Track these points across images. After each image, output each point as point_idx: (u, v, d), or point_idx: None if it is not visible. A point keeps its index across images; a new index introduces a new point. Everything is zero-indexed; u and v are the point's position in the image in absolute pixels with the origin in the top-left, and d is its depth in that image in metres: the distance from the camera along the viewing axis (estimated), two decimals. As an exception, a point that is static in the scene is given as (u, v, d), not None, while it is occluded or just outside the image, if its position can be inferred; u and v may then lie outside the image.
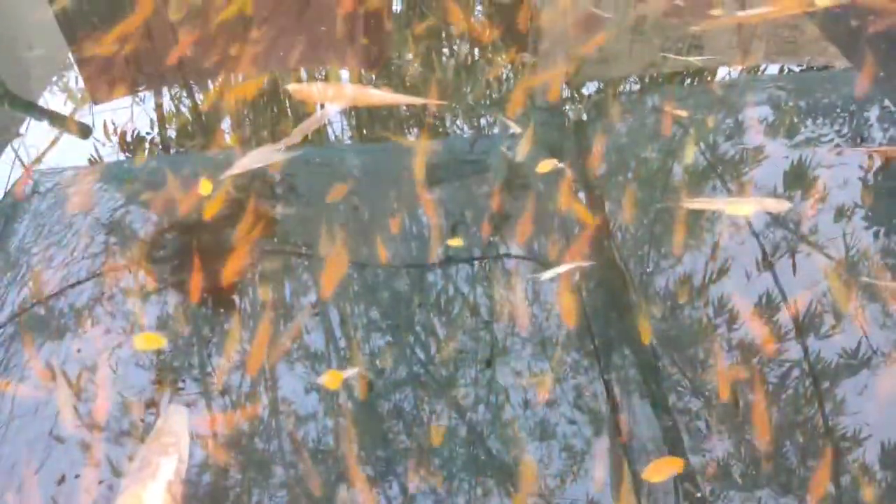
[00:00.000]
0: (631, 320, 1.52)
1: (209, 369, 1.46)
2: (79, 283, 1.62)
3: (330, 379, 1.43)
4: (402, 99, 2.07)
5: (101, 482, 1.29)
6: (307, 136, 1.94)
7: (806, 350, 1.43)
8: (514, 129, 1.95)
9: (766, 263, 1.59)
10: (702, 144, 1.89)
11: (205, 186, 1.80)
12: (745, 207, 1.71)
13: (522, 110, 2.02)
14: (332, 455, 1.32)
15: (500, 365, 1.44)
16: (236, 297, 1.59)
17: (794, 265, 1.58)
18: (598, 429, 1.34)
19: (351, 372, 1.44)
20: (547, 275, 1.58)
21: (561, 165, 1.80)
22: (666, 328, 1.49)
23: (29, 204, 1.83)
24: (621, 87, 2.13)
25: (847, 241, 1.62)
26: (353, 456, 1.32)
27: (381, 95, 2.07)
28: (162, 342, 1.50)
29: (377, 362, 1.46)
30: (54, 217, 1.78)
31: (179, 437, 1.33)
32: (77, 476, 1.30)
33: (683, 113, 1.98)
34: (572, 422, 1.35)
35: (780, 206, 1.71)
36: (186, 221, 1.73)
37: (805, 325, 1.47)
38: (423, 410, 1.38)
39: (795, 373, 1.39)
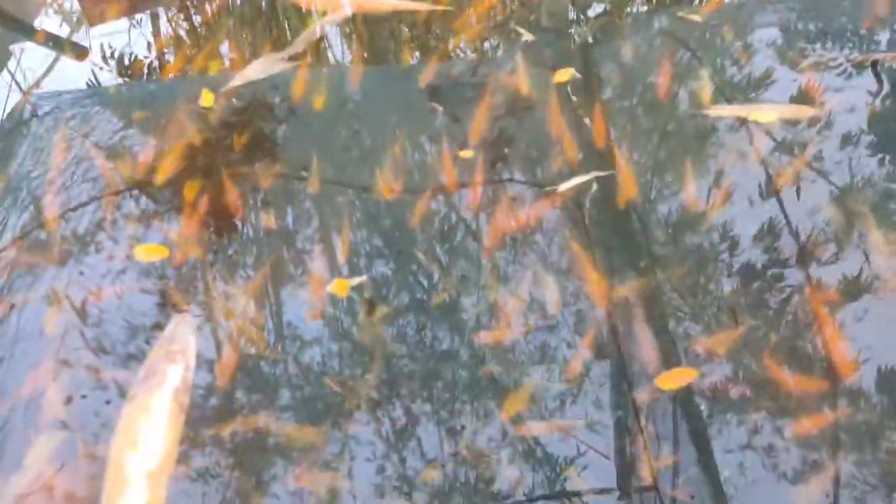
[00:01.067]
0: (634, 242, 1.51)
1: (211, 290, 1.46)
2: (80, 205, 1.62)
3: (338, 287, 1.44)
4: (403, 5, 2.01)
5: (108, 402, 1.30)
6: (307, 52, 1.90)
7: (808, 276, 1.42)
8: (527, 36, 1.90)
9: (773, 188, 1.56)
10: (713, 63, 1.84)
11: (206, 98, 1.78)
12: (769, 114, 1.67)
13: (530, 25, 1.98)
14: (335, 375, 1.34)
15: (502, 291, 1.44)
16: (237, 220, 1.58)
17: (798, 191, 1.55)
18: (599, 352, 1.35)
19: (358, 280, 1.45)
20: (563, 186, 1.56)
21: (578, 75, 1.77)
22: (669, 252, 1.48)
23: (28, 127, 1.81)
24: (630, 3, 2.08)
25: (853, 166, 1.59)
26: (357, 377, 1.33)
27: (381, 1, 2.00)
28: (165, 252, 1.50)
29: (379, 285, 1.46)
30: (53, 140, 1.76)
31: (186, 345, 1.33)
32: (84, 396, 1.31)
33: (697, 18, 1.93)
34: (571, 346, 1.36)
35: (802, 112, 1.66)
36: (186, 143, 1.71)
37: (808, 252, 1.46)
38: (424, 335, 1.39)
39: (797, 298, 1.39)
